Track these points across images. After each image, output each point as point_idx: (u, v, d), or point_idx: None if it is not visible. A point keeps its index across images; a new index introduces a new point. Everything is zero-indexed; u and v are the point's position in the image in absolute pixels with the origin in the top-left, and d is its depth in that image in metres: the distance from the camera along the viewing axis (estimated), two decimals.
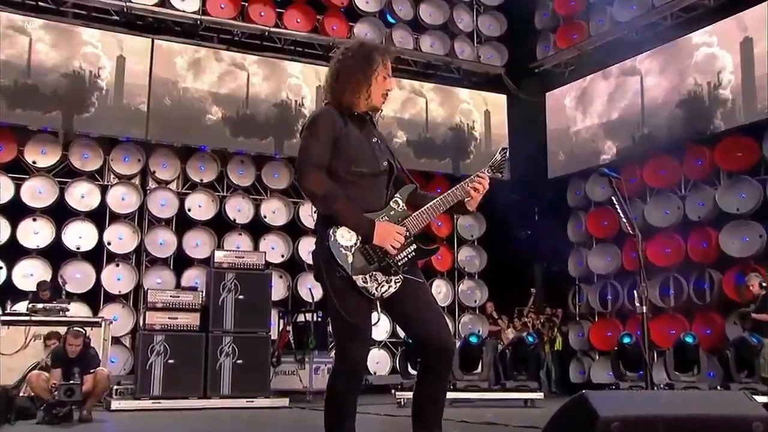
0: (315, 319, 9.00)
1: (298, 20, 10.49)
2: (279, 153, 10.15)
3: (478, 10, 11.94)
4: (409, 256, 2.73)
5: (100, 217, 9.29)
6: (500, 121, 11.80)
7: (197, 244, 9.68)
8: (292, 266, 10.27)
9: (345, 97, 2.80)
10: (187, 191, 9.89)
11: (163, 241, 9.57)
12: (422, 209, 2.80)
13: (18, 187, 8.82)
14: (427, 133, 11.32)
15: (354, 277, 2.62)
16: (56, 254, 8.94)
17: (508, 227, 11.01)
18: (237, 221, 10.00)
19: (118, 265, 9.32)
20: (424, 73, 11.43)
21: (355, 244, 2.65)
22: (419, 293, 2.77)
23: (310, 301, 9.20)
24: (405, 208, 2.81)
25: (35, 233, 8.91)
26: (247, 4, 10.13)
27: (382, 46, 3.04)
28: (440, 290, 11.17)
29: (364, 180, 2.76)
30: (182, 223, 9.75)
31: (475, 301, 11.35)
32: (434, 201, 2.82)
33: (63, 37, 9.00)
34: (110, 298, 9.22)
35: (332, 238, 2.64)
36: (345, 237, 2.65)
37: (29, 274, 8.74)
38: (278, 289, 9.69)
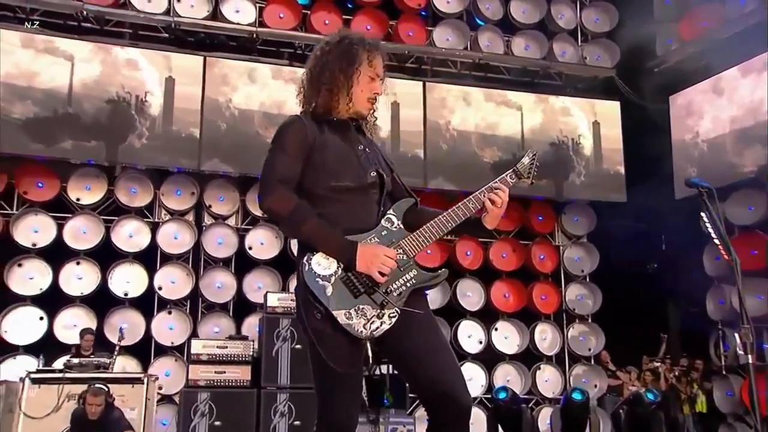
0: (391, 371, 8.11)
1: (369, 27, 9.81)
2: None
3: (583, 2, 10.86)
4: (407, 285, 2.48)
5: (150, 258, 8.84)
6: (612, 132, 10.56)
7: (259, 287, 9.03)
8: None
9: (320, 102, 2.61)
10: (247, 227, 9.32)
11: (220, 285, 9.00)
12: (424, 227, 2.54)
13: (60, 228, 8.52)
14: (522, 150, 10.26)
15: (335, 313, 2.39)
16: (101, 302, 8.53)
17: (628, 260, 9.80)
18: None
19: (170, 313, 8.81)
20: (517, 80, 10.44)
21: (336, 272, 2.44)
22: (424, 331, 2.50)
23: None
24: (401, 226, 2.57)
25: (79, 278, 8.54)
26: (309, 12, 9.60)
27: (370, 40, 2.70)
28: (545, 336, 9.99)
29: (348, 195, 2.54)
30: (242, 263, 9.17)
31: (589, 349, 10.07)
32: (439, 217, 2.56)
33: (106, 60, 8.71)
34: (161, 351, 8.70)
35: (306, 267, 2.44)
36: (322, 265, 2.44)
37: (72, 325, 8.35)
38: None
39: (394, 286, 2.46)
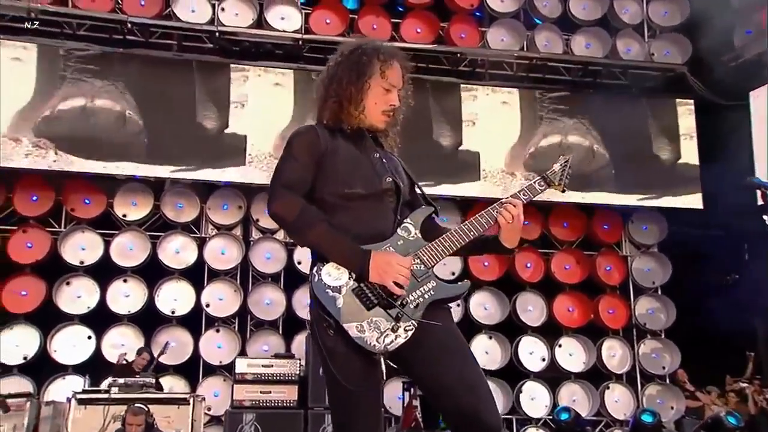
0: None
1: (419, 30, 9.60)
2: None
3: None
4: (425, 297, 2.38)
5: (197, 275, 8.81)
6: (686, 133, 10.02)
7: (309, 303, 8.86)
8: None
9: (332, 114, 2.54)
10: None
11: (269, 301, 8.88)
12: (443, 236, 2.46)
13: (107, 245, 8.56)
14: (593, 157, 9.81)
15: (345, 326, 2.30)
16: (148, 320, 8.53)
17: (705, 271, 9.21)
18: None
19: (218, 331, 8.74)
20: (578, 81, 10.01)
21: (347, 283, 2.35)
22: (445, 346, 2.38)
23: None
24: (418, 235, 2.47)
25: (126, 296, 8.57)
26: (356, 16, 9.44)
27: (386, 49, 2.60)
28: (614, 353, 9.50)
29: (360, 203, 2.46)
30: (291, 279, 9.01)
31: (663, 368, 9.51)
32: (460, 225, 2.49)
33: (151, 71, 8.76)
34: (210, 370, 8.63)
35: (316, 278, 2.36)
36: (333, 275, 2.35)
37: (119, 344, 8.37)
38: None
39: (411, 297, 2.37)
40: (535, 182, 2.62)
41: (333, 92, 2.54)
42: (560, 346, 9.35)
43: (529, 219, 9.68)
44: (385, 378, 2.39)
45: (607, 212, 9.87)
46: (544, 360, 9.22)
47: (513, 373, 9.20)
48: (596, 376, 9.38)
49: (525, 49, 9.84)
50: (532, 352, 9.26)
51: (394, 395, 8.34)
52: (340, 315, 2.30)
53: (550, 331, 9.41)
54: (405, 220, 2.50)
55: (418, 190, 2.65)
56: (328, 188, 2.45)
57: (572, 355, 9.38)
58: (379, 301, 2.33)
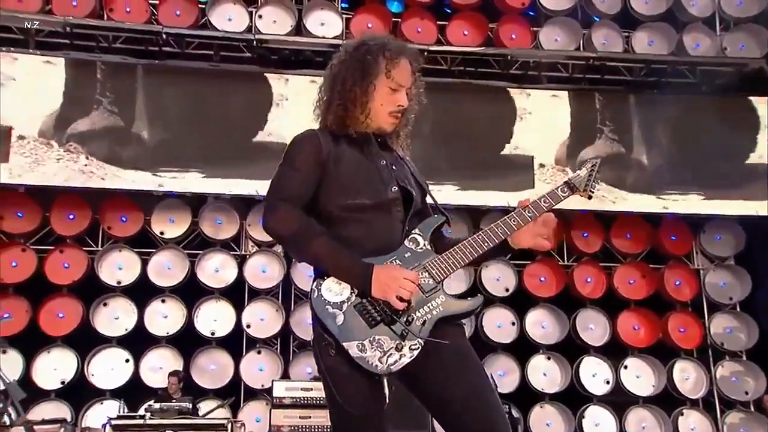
0: (508, 410, 7.63)
1: (466, 32, 9.25)
2: None
3: None
4: (433, 313, 2.29)
5: (237, 294, 8.60)
6: (765, 134, 9.37)
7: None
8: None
9: (336, 118, 2.44)
10: None
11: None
12: (455, 248, 2.36)
13: (144, 264, 8.44)
14: (655, 161, 9.26)
15: (345, 345, 2.22)
16: (187, 342, 8.36)
17: None
18: None
19: (259, 353, 8.49)
20: (640, 81, 9.48)
21: (349, 298, 2.28)
22: (456, 368, 2.29)
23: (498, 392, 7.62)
24: (428, 247, 2.38)
25: (164, 317, 8.40)
26: (399, 20, 9.15)
27: (393, 46, 2.47)
28: (687, 375, 8.88)
29: (366, 214, 2.38)
30: None
31: (746, 393, 8.82)
32: (474, 236, 2.38)
33: (188, 82, 8.65)
34: (251, 394, 8.39)
35: (316, 294, 2.30)
36: (334, 290, 2.29)
37: (158, 367, 8.22)
38: None
39: (418, 314, 2.27)
40: (558, 188, 2.50)
41: (337, 95, 2.44)
42: (626, 367, 8.78)
43: (588, 230, 9.20)
44: (387, 401, 2.28)
45: (675, 222, 9.29)
46: (608, 383, 8.67)
47: (574, 397, 8.67)
48: (668, 401, 8.77)
49: (581, 48, 9.40)
50: (594, 374, 8.72)
51: None
52: (340, 333, 2.23)
53: (615, 352, 8.85)
54: (413, 231, 2.40)
55: (430, 198, 2.54)
56: (332, 199, 2.38)
57: (640, 377, 8.79)
58: (383, 318, 2.24)
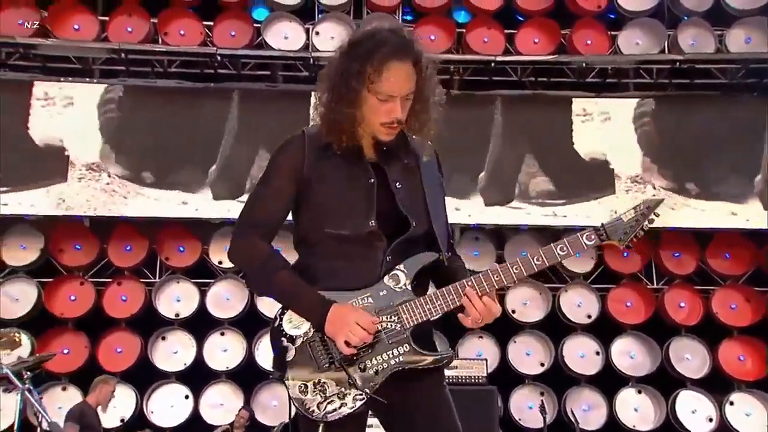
0: None
1: (536, 40, 8.79)
2: None
3: None
4: (390, 363, 2.15)
5: None
6: None
7: None
8: (551, 378, 8.23)
9: (327, 131, 2.29)
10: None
11: None
12: (439, 290, 2.19)
13: (203, 295, 8.26)
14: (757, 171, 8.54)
15: (288, 383, 2.16)
16: (248, 377, 8.09)
17: None
18: None
19: None
20: (737, 83, 8.76)
21: (306, 333, 2.20)
22: (423, 427, 2.21)
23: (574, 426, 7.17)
24: (408, 287, 2.20)
25: (223, 351, 8.17)
26: (464, 30, 8.77)
27: (383, 51, 2.21)
28: None
29: (345, 245, 2.24)
30: None
31: None
32: (469, 278, 2.19)
33: (243, 103, 8.50)
34: None
35: (276, 323, 2.25)
36: (294, 322, 2.22)
37: (218, 403, 8.01)
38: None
39: (373, 361, 2.15)
40: (583, 235, 2.24)
41: (326, 105, 2.27)
42: (732, 403, 7.98)
43: (681, 250, 8.51)
44: None
45: None
46: (711, 420, 7.90)
47: None
48: None
49: (666, 51, 8.79)
50: (694, 411, 7.97)
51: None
52: (287, 369, 2.17)
53: (717, 385, 8.11)
54: (397, 267, 2.21)
55: (438, 224, 2.30)
56: (311, 224, 2.28)
57: (749, 415, 7.96)
58: (335, 360, 2.15)
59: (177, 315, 8.23)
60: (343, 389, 2.14)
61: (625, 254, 8.49)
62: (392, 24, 2.38)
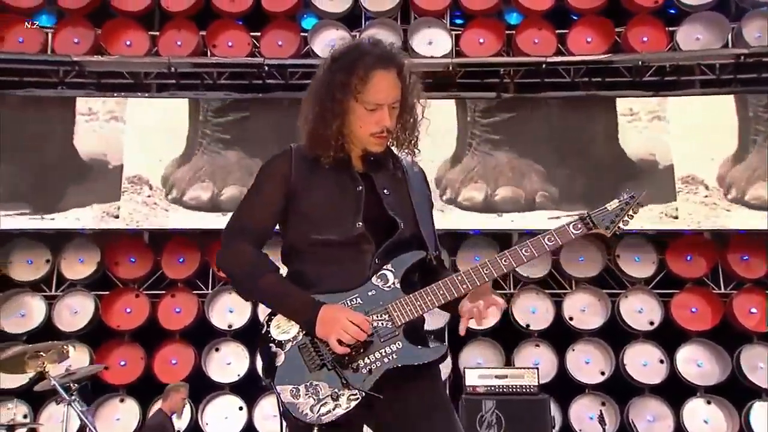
0: None
1: (589, 39, 8.62)
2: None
3: None
4: (384, 361, 2.14)
5: None
6: None
7: (479, 363, 8.06)
8: (612, 388, 8.00)
9: (313, 143, 2.34)
10: None
11: None
12: (427, 288, 2.20)
13: (255, 306, 8.30)
14: None
15: (279, 389, 2.15)
16: None
17: None
18: (530, 326, 8.19)
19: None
20: None
21: (295, 337, 2.20)
22: (413, 425, 2.18)
23: None
24: (396, 285, 2.22)
25: None
26: (514, 32, 8.66)
27: (367, 60, 2.27)
28: None
29: (333, 250, 2.26)
30: (457, 336, 8.21)
31: None
32: (454, 276, 2.21)
33: (292, 113, 8.53)
34: None
35: (264, 330, 2.25)
36: (282, 327, 2.22)
37: (272, 415, 8.00)
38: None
39: (366, 360, 2.14)
40: (570, 224, 2.25)
41: (311, 120, 2.32)
42: None
43: (749, 253, 8.18)
44: None
45: None
46: None
47: None
48: None
49: (729, 45, 8.52)
50: None
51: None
52: (276, 375, 2.15)
53: None
54: (385, 267, 2.23)
55: (424, 231, 2.32)
56: (299, 232, 2.31)
57: None
58: (327, 362, 2.14)
59: (230, 326, 8.30)
60: (336, 390, 2.12)
61: (689, 258, 8.24)
62: (378, 37, 2.44)
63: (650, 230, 8.11)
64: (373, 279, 2.23)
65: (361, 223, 2.26)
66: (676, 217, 8.08)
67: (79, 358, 7.88)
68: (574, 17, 8.88)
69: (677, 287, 8.22)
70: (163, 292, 8.45)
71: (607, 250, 8.35)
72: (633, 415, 7.76)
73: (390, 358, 2.16)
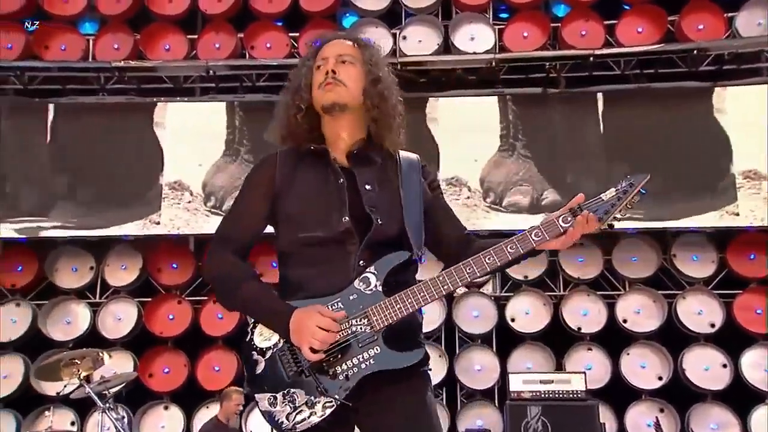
0: None
1: (640, 29, 8.30)
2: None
3: None
4: (361, 367, 2.09)
5: None
6: None
7: (528, 368, 7.82)
8: (672, 394, 7.70)
9: (288, 131, 2.36)
10: (507, 294, 8.28)
11: (480, 367, 7.99)
12: (407, 290, 2.12)
13: None
14: None
15: (257, 397, 2.15)
16: None
17: None
18: (581, 329, 7.94)
19: None
20: None
21: (276, 344, 2.18)
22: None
23: None
24: (378, 288, 2.15)
25: None
26: (560, 25, 8.40)
27: (316, 39, 2.44)
28: None
29: (318, 249, 2.20)
30: (505, 339, 8.18)
31: None
32: (432, 278, 2.14)
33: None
34: None
35: (247, 338, 2.23)
36: (264, 335, 2.21)
37: None
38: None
39: (344, 366, 2.09)
40: (559, 217, 2.11)
41: (286, 110, 2.34)
42: None
43: None
44: None
45: None
46: None
47: None
48: None
49: None
50: None
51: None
52: (255, 383, 2.15)
53: None
54: (368, 269, 2.17)
55: (409, 229, 2.23)
56: (284, 234, 2.27)
57: None
58: (305, 369, 2.10)
59: None
60: (312, 397, 2.09)
61: (752, 256, 7.87)
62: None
63: (709, 228, 7.78)
64: (356, 282, 2.17)
65: (347, 218, 2.20)
66: (737, 214, 7.72)
67: (122, 364, 7.93)
68: (625, 7, 8.59)
69: (739, 287, 7.85)
70: (206, 298, 8.43)
71: (662, 249, 8.03)
72: (694, 423, 7.42)
73: (367, 363, 2.11)
